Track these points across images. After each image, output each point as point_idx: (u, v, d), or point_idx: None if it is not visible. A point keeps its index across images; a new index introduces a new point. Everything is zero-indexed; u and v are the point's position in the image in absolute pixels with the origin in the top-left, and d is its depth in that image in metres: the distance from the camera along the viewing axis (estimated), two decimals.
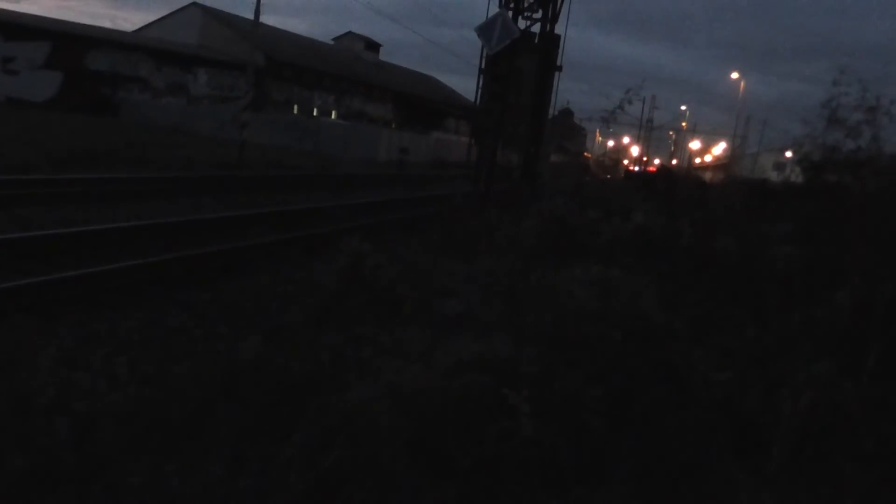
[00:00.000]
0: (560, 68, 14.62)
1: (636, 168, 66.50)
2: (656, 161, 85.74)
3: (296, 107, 51.21)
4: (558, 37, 14.41)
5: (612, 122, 11.73)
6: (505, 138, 13.80)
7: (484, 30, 12.69)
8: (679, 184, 12.99)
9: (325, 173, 25.92)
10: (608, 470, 4.02)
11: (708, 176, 45.09)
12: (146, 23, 54.67)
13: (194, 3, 51.87)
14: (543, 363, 4.53)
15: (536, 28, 14.43)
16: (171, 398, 4.81)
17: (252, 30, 29.60)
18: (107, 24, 45.44)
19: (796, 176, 8.97)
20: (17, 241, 8.97)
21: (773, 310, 6.14)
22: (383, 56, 67.74)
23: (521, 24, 14.05)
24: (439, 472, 3.56)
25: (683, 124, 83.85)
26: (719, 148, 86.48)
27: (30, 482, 3.93)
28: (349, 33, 64.69)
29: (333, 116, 54.40)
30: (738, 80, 61.39)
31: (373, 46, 65.67)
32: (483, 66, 14.22)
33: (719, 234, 7.84)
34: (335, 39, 64.66)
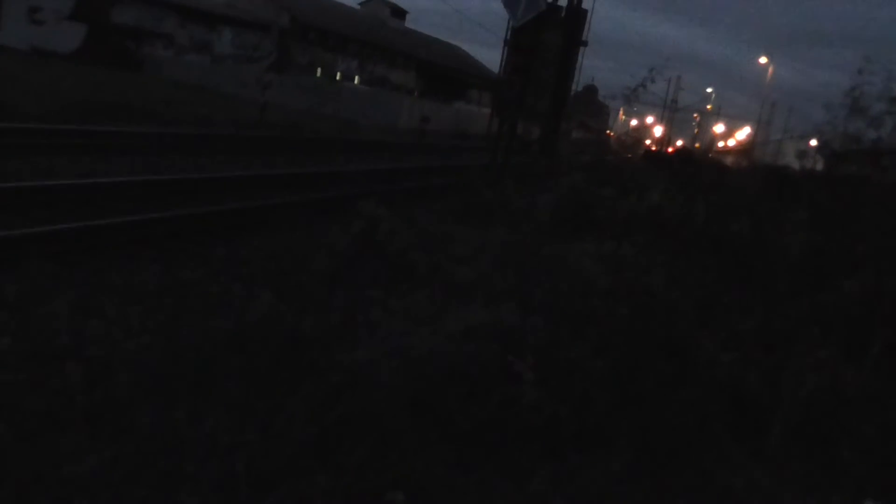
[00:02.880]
0: (585, 43, 14.54)
1: (655, 148, 66.09)
2: (678, 142, 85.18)
3: (319, 70, 51.03)
4: (585, 12, 14.33)
5: (634, 100, 11.68)
6: (526, 112, 13.77)
7: (510, 1, 12.61)
8: (698, 166, 12.95)
9: (345, 138, 25.93)
10: (608, 440, 4.08)
11: (730, 160, 44.74)
12: None
13: None
14: (550, 333, 4.59)
15: (563, 2, 14.35)
16: (183, 349, 4.90)
17: None
18: None
19: (818, 164, 8.93)
20: (37, 189, 9.09)
21: (783, 294, 6.16)
22: (409, 23, 67.37)
23: None
24: (440, 433, 3.63)
25: (708, 106, 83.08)
26: (743, 132, 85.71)
27: (43, 422, 4.04)
28: None
29: (356, 81, 54.22)
30: (766, 65, 60.61)
31: (399, 13, 65.27)
32: (508, 37, 14.15)
33: (735, 217, 7.84)
34: (361, 4, 64.27)
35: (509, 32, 14.00)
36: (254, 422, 3.61)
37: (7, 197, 8.51)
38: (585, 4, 14.36)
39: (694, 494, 3.98)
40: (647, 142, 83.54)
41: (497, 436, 3.75)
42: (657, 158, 25.39)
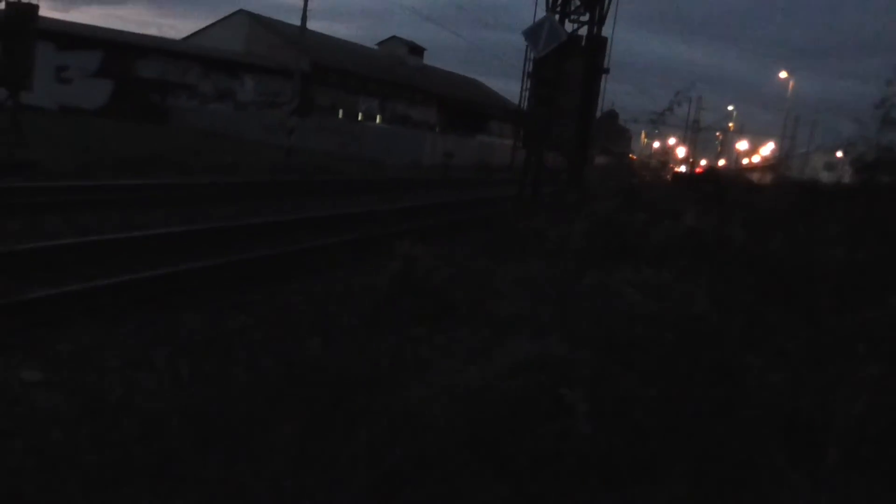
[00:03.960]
0: (607, 71, 14.64)
1: (681, 169, 65.80)
2: (702, 162, 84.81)
3: (340, 111, 51.70)
4: (605, 39, 14.41)
5: (660, 123, 11.72)
6: (552, 141, 13.85)
7: (531, 33, 12.77)
8: (727, 185, 12.92)
9: (372, 177, 26.19)
10: (663, 469, 4.07)
11: (756, 177, 44.43)
12: (191, 30, 55.79)
13: (241, 11, 52.74)
14: (599, 364, 4.60)
15: (583, 31, 14.45)
16: (235, 398, 4.97)
17: (298, 36, 30.05)
18: (153, 32, 46.54)
19: (848, 176, 8.88)
20: (79, 246, 9.28)
21: (826, 311, 6.11)
22: (427, 60, 68.13)
23: (568, 27, 14.09)
24: (498, 469, 3.65)
25: (730, 125, 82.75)
26: (767, 148, 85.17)
27: (105, 475, 4.10)
28: (393, 38, 65.19)
29: (378, 120, 54.84)
30: (786, 80, 60.36)
31: (417, 50, 66.08)
32: (530, 69, 14.29)
33: (771, 235, 7.80)
34: (379, 44, 65.18)
35: (532, 64, 14.15)
36: (314, 467, 3.66)
37: (49, 255, 8.70)
38: (605, 32, 14.48)
39: None
40: (671, 164, 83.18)
41: (554, 469, 3.75)
42: (685, 180, 25.28)
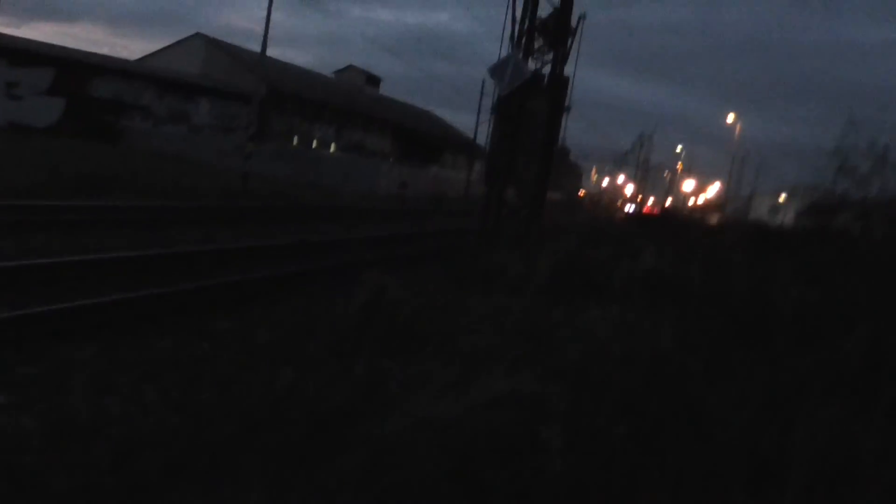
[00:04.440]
0: (569, 109, 14.97)
1: (628, 208, 67.10)
2: (650, 200, 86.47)
3: (296, 138, 51.58)
4: (567, 78, 14.74)
5: (623, 164, 12.02)
6: (514, 178, 14.06)
7: (496, 70, 13.00)
8: (682, 225, 13.27)
9: (330, 205, 26.16)
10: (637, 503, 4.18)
11: (702, 217, 45.40)
12: (145, 51, 55.35)
13: (198, 34, 52.49)
14: (572, 400, 4.70)
15: (546, 70, 14.75)
16: (204, 426, 4.95)
17: (256, 61, 30.04)
18: (106, 52, 45.97)
19: (791, 219, 9.17)
20: (35, 268, 9.11)
21: (783, 352, 6.32)
22: (383, 90, 68.53)
23: (532, 64, 14.38)
24: (479, 502, 3.71)
25: (679, 165, 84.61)
26: (713, 189, 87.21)
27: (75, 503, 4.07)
28: (350, 67, 65.44)
29: (333, 148, 54.81)
30: (734, 123, 62.00)
31: (373, 80, 66.42)
32: (487, 103, 14.56)
33: (728, 276, 8.05)
34: (336, 72, 65.34)
35: (496, 100, 14.37)
36: (295, 499, 3.68)
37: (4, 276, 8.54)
38: (567, 70, 14.79)
39: None
40: (620, 202, 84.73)
41: (534, 502, 3.83)
42: (640, 219, 25.83)
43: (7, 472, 4.39)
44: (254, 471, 4.12)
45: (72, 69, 39.23)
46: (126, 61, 48.88)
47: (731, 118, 61.35)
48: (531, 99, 13.71)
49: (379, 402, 4.96)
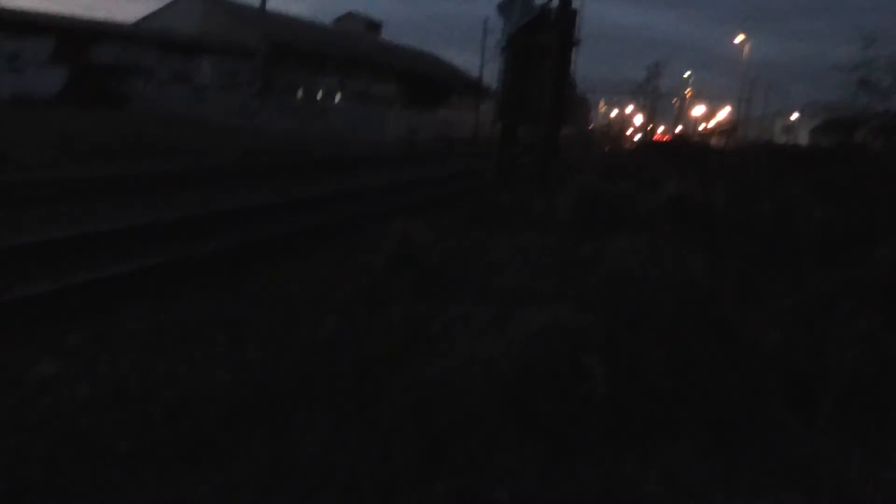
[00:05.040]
0: (578, 43, 14.82)
1: (638, 137, 66.50)
2: (660, 129, 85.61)
3: (300, 91, 51.25)
4: (576, 12, 14.57)
5: (640, 95, 11.96)
6: (527, 114, 14.04)
7: (504, 7, 12.90)
8: (699, 152, 13.24)
9: (342, 155, 26.17)
10: (677, 425, 4.34)
11: (715, 141, 45.08)
12: (142, 13, 54.63)
13: None
14: (609, 329, 4.83)
15: (554, 4, 14.55)
16: (256, 380, 5.10)
17: (255, 15, 29.74)
18: (102, 16, 45.60)
19: (804, 139, 9.16)
20: (73, 238, 9.29)
21: (812, 269, 6.43)
22: (384, 35, 67.75)
23: None
24: (531, 430, 3.88)
25: (688, 91, 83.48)
26: (724, 112, 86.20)
27: (138, 462, 4.21)
28: (349, 14, 64.63)
29: (338, 98, 54.47)
30: (742, 44, 61.02)
31: (373, 26, 65.63)
32: (493, 43, 14.46)
33: (751, 198, 8.11)
34: (336, 21, 64.56)
35: (506, 37, 14.27)
36: (356, 437, 3.84)
37: (54, 246, 8.73)
38: (574, 4, 14.61)
39: (763, 465, 4.23)
40: (629, 132, 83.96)
41: (582, 428, 3.99)
42: (654, 148, 25.69)
43: (71, 439, 4.55)
44: (309, 418, 4.29)
45: (72, 37, 38.94)
46: (125, 25, 48.41)
47: (739, 39, 60.34)
48: (541, 34, 13.60)
49: (422, 345, 5.12)
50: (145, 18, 53.30)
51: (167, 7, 52.72)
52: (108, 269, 8.08)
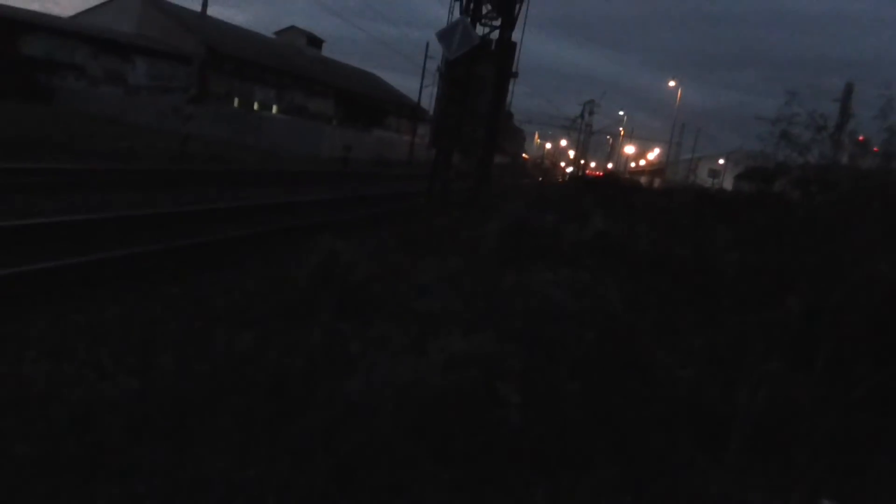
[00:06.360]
0: (516, 75, 15.02)
1: (570, 170, 67.68)
2: (592, 164, 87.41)
3: (236, 100, 50.65)
4: (515, 44, 14.78)
5: (573, 129, 12.17)
6: (461, 142, 14.12)
7: (445, 35, 12.98)
8: (626, 189, 13.53)
9: (273, 168, 25.86)
10: (589, 457, 4.36)
11: (644, 180, 46.15)
12: (78, 8, 53.38)
13: None
14: (527, 359, 4.85)
15: (494, 35, 14.76)
16: (163, 391, 4.94)
17: (195, 20, 29.30)
18: (36, 8, 44.12)
19: (728, 184, 9.43)
20: None
21: (727, 311, 6.59)
22: (326, 52, 67.57)
23: (480, 30, 14.38)
24: (442, 457, 3.83)
25: (621, 130, 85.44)
26: (653, 153, 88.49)
27: (39, 467, 4.03)
28: (292, 27, 64.35)
29: (274, 110, 54.01)
30: (675, 88, 62.81)
31: (315, 42, 65.43)
32: (432, 67, 14.56)
33: (672, 238, 8.29)
34: (277, 33, 64.15)
35: (444, 64, 14.36)
36: (260, 461, 3.74)
37: None
38: (514, 36, 14.83)
39: (671, 499, 4.28)
40: (563, 164, 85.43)
41: (491, 458, 3.97)
42: (585, 182, 26.15)
43: None
44: (217, 433, 4.17)
45: (0, 26, 37.74)
46: (58, 18, 47.19)
47: (672, 83, 62.10)
48: (479, 64, 13.74)
49: (339, 365, 5.04)
50: (81, 14, 52.08)
51: (104, 5, 51.71)
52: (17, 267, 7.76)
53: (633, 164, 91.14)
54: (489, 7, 14.44)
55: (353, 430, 3.77)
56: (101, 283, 7.98)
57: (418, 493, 3.49)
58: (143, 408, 4.63)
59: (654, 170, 70.14)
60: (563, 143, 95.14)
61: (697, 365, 5.62)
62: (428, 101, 47.40)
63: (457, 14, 13.93)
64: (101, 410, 4.67)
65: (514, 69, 14.87)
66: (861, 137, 7.51)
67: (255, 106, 52.66)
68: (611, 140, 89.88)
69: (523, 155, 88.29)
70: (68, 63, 41.46)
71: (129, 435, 4.31)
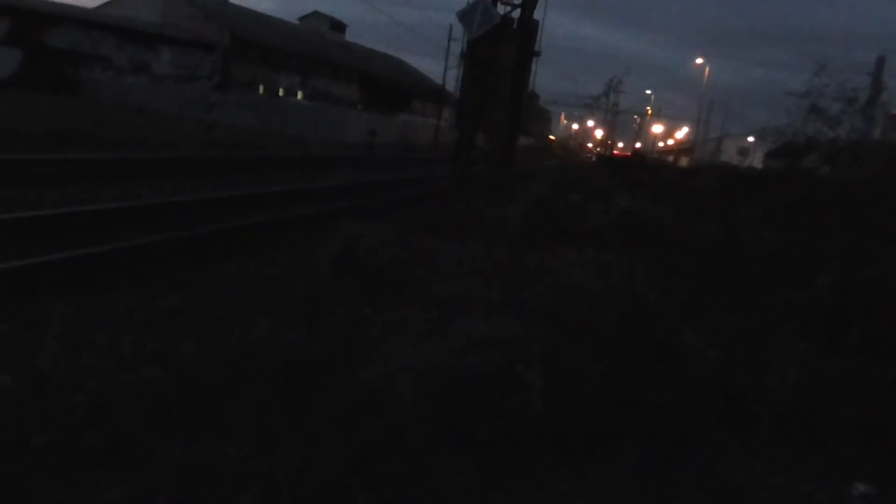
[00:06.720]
0: (538, 54, 14.84)
1: (598, 151, 67.18)
2: (619, 144, 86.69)
3: (261, 87, 50.76)
4: (536, 22, 14.58)
5: (596, 108, 12.01)
6: (485, 123, 13.99)
7: (465, 15, 12.83)
8: (654, 168, 13.33)
9: (299, 154, 25.89)
10: (614, 442, 4.26)
11: (672, 159, 45.65)
12: (101, 0, 53.65)
13: None
14: (549, 342, 4.75)
15: (515, 14, 14.56)
16: (184, 379, 4.93)
17: (218, 8, 29.35)
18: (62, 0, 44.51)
19: (758, 161, 9.25)
20: (6, 223, 8.97)
21: (756, 291, 6.44)
22: (349, 37, 67.46)
23: (501, 9, 14.20)
24: (463, 443, 3.76)
25: (648, 109, 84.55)
26: (681, 132, 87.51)
27: (55, 458, 4.02)
28: (315, 13, 64.26)
29: (299, 96, 54.08)
30: (702, 66, 61.98)
31: (338, 27, 65.33)
32: (456, 49, 14.44)
33: (700, 218, 8.12)
34: (301, 19, 64.13)
35: (465, 45, 14.22)
36: (282, 446, 3.69)
37: None
38: (536, 15, 14.63)
39: (698, 485, 4.18)
40: (590, 145, 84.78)
41: (514, 443, 3.89)
42: (612, 162, 25.88)
43: None
44: (237, 420, 4.13)
45: (28, 19, 38.07)
46: (84, 9, 47.49)
47: (699, 61, 61.28)
48: (501, 44, 13.57)
49: (360, 350, 4.99)
50: (105, 5, 52.38)
51: None
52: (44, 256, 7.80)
53: (661, 144, 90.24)
54: None
55: (371, 416, 3.71)
56: (122, 271, 8.00)
57: (438, 479, 3.42)
58: (163, 396, 4.62)
59: (683, 148, 69.39)
60: (590, 123, 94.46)
61: (725, 346, 5.48)
62: (453, 84, 47.17)
63: None
64: (121, 400, 4.66)
65: (536, 48, 14.69)
66: (894, 112, 7.29)
67: (280, 92, 52.74)
68: (638, 119, 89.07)
69: (549, 136, 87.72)
70: (94, 54, 41.75)
71: (147, 425, 4.29)
